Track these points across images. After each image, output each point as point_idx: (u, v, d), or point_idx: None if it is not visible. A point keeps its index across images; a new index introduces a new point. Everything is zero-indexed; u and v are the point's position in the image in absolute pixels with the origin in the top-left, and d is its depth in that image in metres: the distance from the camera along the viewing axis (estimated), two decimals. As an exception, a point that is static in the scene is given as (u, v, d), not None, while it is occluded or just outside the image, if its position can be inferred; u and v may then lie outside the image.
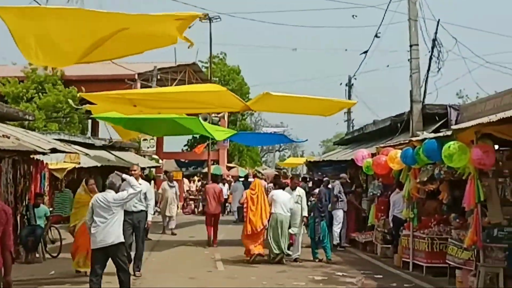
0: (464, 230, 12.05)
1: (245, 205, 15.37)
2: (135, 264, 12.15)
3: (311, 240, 15.08)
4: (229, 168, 44.35)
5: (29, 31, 8.58)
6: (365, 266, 14.35)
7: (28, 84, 30.01)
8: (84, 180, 12.40)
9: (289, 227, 14.63)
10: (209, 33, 32.51)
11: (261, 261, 14.48)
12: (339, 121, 40.45)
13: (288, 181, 18.20)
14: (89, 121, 32.88)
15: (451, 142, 10.71)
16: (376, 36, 21.75)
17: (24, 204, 15.32)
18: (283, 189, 15.13)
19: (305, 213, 14.60)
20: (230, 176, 34.95)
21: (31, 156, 16.00)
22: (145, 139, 31.71)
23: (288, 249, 14.63)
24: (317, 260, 14.71)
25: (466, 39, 18.88)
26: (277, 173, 41.34)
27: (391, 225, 15.31)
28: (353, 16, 23.85)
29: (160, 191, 21.69)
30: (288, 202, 14.55)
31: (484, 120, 10.27)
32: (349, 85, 37.05)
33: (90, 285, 9.15)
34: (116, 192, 9.39)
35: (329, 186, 17.89)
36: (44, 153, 15.64)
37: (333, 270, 13.54)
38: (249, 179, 28.70)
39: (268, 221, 14.55)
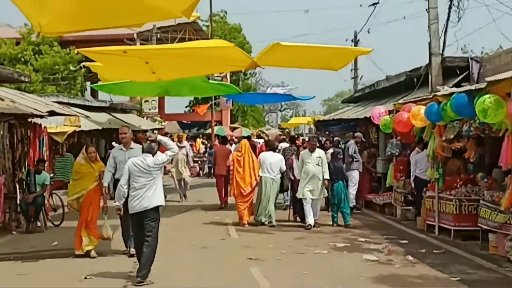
0: (496, 191, 11.24)
1: (231, 168, 14.95)
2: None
3: (330, 204, 14.33)
4: (232, 129, 43.50)
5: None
6: (386, 230, 13.54)
7: (24, 46, 28.91)
8: (84, 147, 11.17)
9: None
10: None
11: (277, 226, 13.85)
12: (346, 78, 39.07)
13: (300, 142, 17.52)
14: (88, 82, 31.75)
15: (486, 96, 9.77)
16: None
17: (23, 170, 14.48)
18: (274, 150, 14.95)
19: (326, 176, 13.61)
20: (234, 137, 34.00)
21: (29, 120, 15.13)
22: (146, 101, 30.80)
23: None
24: (335, 225, 13.96)
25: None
26: (280, 133, 40.52)
27: (413, 186, 14.43)
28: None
29: None
30: (277, 164, 14.24)
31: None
32: (355, 41, 35.77)
33: (136, 246, 8.98)
34: (153, 155, 8.89)
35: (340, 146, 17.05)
36: (42, 116, 14.86)
37: (354, 235, 12.73)
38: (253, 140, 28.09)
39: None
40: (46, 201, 14.19)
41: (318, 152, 13.75)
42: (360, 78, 36.94)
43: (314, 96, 32.86)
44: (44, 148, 16.27)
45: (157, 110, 32.19)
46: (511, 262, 9.75)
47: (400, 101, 15.30)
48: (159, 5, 8.04)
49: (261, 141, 29.85)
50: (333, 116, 24.80)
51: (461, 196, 12.27)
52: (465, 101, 10.64)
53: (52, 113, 15.14)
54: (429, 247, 11.34)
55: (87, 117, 19.15)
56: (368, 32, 28.93)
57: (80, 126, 19.18)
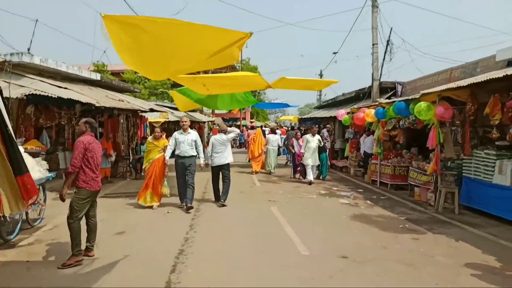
0: (419, 161, 9.64)
1: (249, 141, 14.66)
2: (187, 197, 7.75)
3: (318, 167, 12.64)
4: (251, 122, 41.96)
5: (125, 47, 5.34)
6: (347, 183, 11.89)
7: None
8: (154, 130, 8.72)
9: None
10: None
11: (281, 179, 12.20)
12: (312, 95, 37.41)
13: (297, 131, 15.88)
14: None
15: (422, 102, 8.15)
16: (336, 52, 19.15)
17: (134, 142, 13.08)
18: (274, 133, 14.88)
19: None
20: (251, 126, 32.43)
21: (138, 113, 13.59)
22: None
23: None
24: (317, 179, 12.25)
25: (412, 38, 15.93)
26: (275, 124, 38.77)
27: (363, 156, 12.80)
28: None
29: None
30: (276, 141, 13.90)
31: (451, 85, 7.68)
32: (321, 75, 33.92)
33: (214, 185, 8.35)
34: (225, 134, 8.40)
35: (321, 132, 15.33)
36: (145, 111, 13.32)
37: (329, 185, 11.11)
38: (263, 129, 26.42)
39: (265, 152, 13.84)
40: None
41: (317, 136, 11.92)
42: (325, 95, 35.21)
43: (298, 105, 31.33)
44: (148, 130, 14.83)
45: (211, 110, 30.70)
46: (432, 206, 8.21)
47: (355, 107, 13.60)
48: (222, 57, 6.07)
49: (267, 129, 28.19)
50: (310, 116, 23.11)
51: (394, 164, 10.68)
52: (403, 106, 9.08)
53: (151, 110, 13.70)
54: (377, 195, 9.75)
55: (172, 113, 17.65)
56: (335, 62, 27.47)
57: (168, 118, 17.64)
